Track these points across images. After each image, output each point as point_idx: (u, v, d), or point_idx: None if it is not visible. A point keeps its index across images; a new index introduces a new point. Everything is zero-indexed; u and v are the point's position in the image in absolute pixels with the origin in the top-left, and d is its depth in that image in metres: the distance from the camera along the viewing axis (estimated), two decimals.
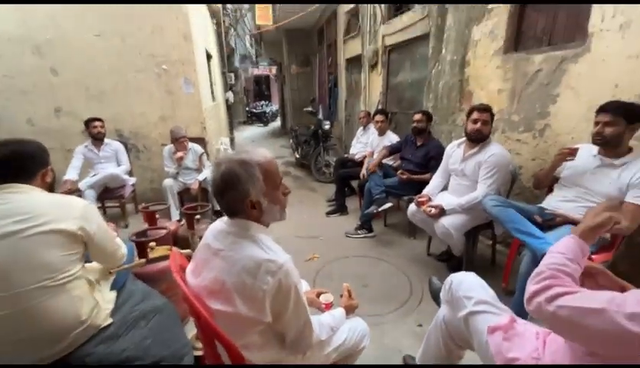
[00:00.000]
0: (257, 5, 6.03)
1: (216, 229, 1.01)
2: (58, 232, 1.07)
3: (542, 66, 2.22)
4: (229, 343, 0.82)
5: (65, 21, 3.51)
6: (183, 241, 2.15)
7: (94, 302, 1.20)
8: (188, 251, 1.48)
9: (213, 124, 5.11)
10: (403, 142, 3.15)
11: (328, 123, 5.08)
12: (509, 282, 2.03)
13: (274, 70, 13.11)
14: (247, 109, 15.64)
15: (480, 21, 2.68)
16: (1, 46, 3.45)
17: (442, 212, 2.15)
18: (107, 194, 3.45)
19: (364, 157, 3.91)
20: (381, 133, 3.60)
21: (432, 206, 2.19)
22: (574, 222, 1.64)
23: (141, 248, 1.75)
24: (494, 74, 2.61)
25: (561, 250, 0.82)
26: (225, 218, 1.03)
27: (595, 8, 1.88)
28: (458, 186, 2.27)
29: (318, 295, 1.29)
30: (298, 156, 6.01)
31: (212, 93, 5.61)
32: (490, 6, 2.58)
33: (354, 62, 5.26)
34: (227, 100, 7.78)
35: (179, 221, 3.40)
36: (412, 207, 2.42)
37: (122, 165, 3.55)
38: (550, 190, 1.98)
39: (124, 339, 1.27)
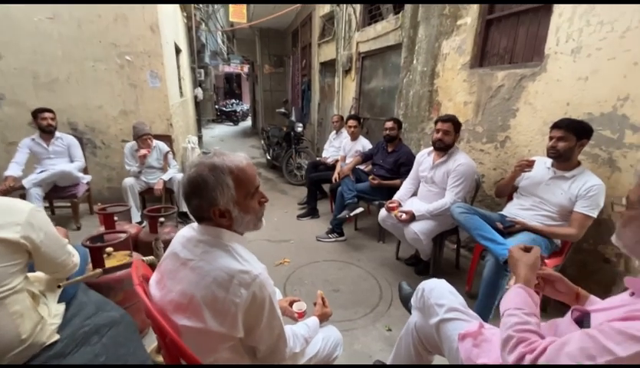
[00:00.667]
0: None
1: (184, 237, 0.94)
2: (3, 241, 0.94)
3: (504, 82, 2.37)
4: (197, 362, 0.76)
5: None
6: (145, 247, 2.01)
7: (37, 317, 1.08)
8: (151, 258, 1.38)
9: (180, 121, 4.87)
10: (375, 148, 3.21)
11: (300, 125, 5.06)
12: (472, 286, 2.14)
13: (246, 68, 12.83)
14: (217, 107, 15.16)
15: (449, 36, 2.81)
16: None
17: (412, 218, 2.21)
18: (57, 193, 3.15)
19: (337, 161, 3.94)
20: (354, 138, 3.64)
21: (403, 211, 2.25)
22: (530, 229, 1.76)
23: (96, 255, 1.60)
24: (461, 87, 2.75)
25: (518, 305, 0.80)
26: (195, 225, 0.97)
27: (552, 33, 2.05)
28: (427, 193, 2.35)
29: (291, 304, 1.25)
30: (269, 157, 5.91)
31: (181, 88, 5.35)
32: (459, 22, 2.72)
33: (328, 66, 5.29)
34: (196, 97, 7.47)
35: (141, 223, 3.20)
36: (383, 212, 2.46)
37: (75, 162, 3.26)
38: (510, 198, 2.11)
39: (72, 357, 1.15)
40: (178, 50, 5.33)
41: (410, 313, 1.38)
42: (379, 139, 3.72)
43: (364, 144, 3.54)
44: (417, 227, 2.15)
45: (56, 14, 3.31)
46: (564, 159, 1.75)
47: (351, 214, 2.86)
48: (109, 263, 1.68)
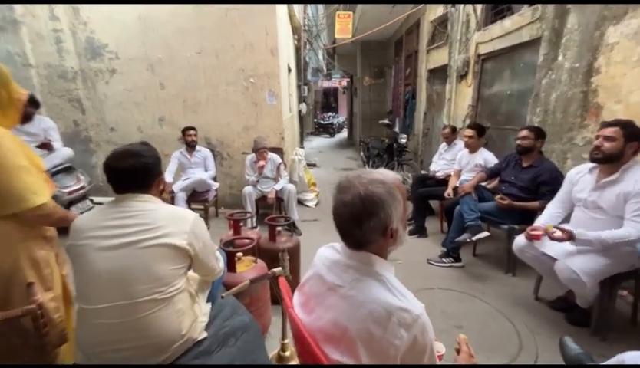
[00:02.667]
0: (338, 18, 6.11)
1: (328, 259, 0.89)
2: (171, 246, 1.07)
3: None
4: None
5: (174, 42, 3.96)
6: (265, 253, 2.13)
7: (193, 316, 1.19)
8: (279, 269, 1.41)
9: (289, 135, 5.25)
10: (503, 162, 2.75)
11: (404, 136, 4.82)
12: None
13: (344, 82, 13.24)
14: (315, 120, 16.08)
15: (620, 19, 2.20)
16: (125, 65, 4.04)
17: (570, 238, 1.72)
18: (194, 197, 3.73)
19: (447, 176, 3.57)
20: (472, 150, 3.22)
21: (558, 228, 1.78)
22: None
23: (231, 258, 1.76)
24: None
25: None
26: (337, 246, 0.91)
27: None
28: (590, 221, 1.82)
29: None
30: (368, 169, 5.82)
31: (290, 104, 5.80)
32: None
33: (438, 73, 4.92)
34: (300, 112, 8.02)
35: (255, 227, 3.51)
36: (520, 240, 2.04)
37: (209, 171, 3.81)
38: None
39: (216, 356, 1.24)
40: (289, 70, 5.81)
41: None
42: (502, 151, 3.21)
43: (487, 157, 3.08)
44: (577, 263, 1.68)
45: (202, 49, 3.99)
46: None
47: (474, 238, 2.48)
48: (239, 266, 1.83)
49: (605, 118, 2.29)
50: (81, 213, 3.23)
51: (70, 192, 3.22)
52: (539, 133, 2.49)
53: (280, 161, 3.75)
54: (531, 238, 1.94)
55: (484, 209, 2.57)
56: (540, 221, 2.04)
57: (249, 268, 1.78)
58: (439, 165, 3.83)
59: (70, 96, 4.16)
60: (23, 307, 1.17)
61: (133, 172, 1.13)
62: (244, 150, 4.26)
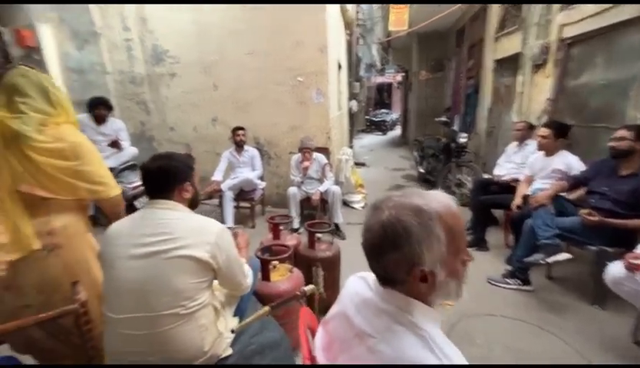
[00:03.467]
0: (392, 10, 5.76)
1: (359, 295, 0.73)
2: (192, 258, 1.02)
3: None
4: None
5: (227, 44, 4.08)
6: (303, 261, 2.03)
7: (217, 332, 1.13)
8: (311, 287, 1.28)
9: (337, 134, 5.10)
10: (592, 169, 2.25)
11: (464, 135, 4.34)
12: None
13: (398, 77, 12.65)
14: (366, 117, 15.68)
15: None
16: (183, 68, 4.29)
17: None
18: (241, 196, 3.80)
19: (514, 180, 3.09)
20: (549, 152, 2.71)
21: None
22: None
23: (266, 266, 1.69)
24: None
25: None
26: (370, 279, 0.75)
27: None
28: None
29: None
30: (422, 170, 5.41)
31: (338, 102, 5.65)
32: None
33: (507, 63, 4.32)
34: (350, 109, 7.82)
35: (298, 230, 3.46)
36: (615, 269, 1.62)
37: (256, 171, 3.85)
38: None
39: None
40: (339, 67, 5.64)
41: None
42: (589, 154, 2.65)
43: (570, 162, 2.56)
44: None
45: (253, 50, 4.04)
46: None
47: (549, 260, 2.06)
48: (273, 275, 1.75)
49: None
50: (142, 207, 3.50)
51: (134, 188, 3.50)
52: None
53: (326, 161, 3.63)
54: (632, 269, 1.52)
55: (564, 226, 2.13)
56: None
57: (283, 278, 1.69)
58: (505, 169, 3.34)
59: (138, 99, 4.56)
60: (69, 307, 1.21)
61: (158, 173, 1.13)
62: (290, 150, 4.23)
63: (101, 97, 3.53)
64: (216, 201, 3.91)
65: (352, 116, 8.05)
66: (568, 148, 2.73)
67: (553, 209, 2.20)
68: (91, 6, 4.26)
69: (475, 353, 1.74)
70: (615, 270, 1.63)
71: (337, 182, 4.09)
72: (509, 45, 4.09)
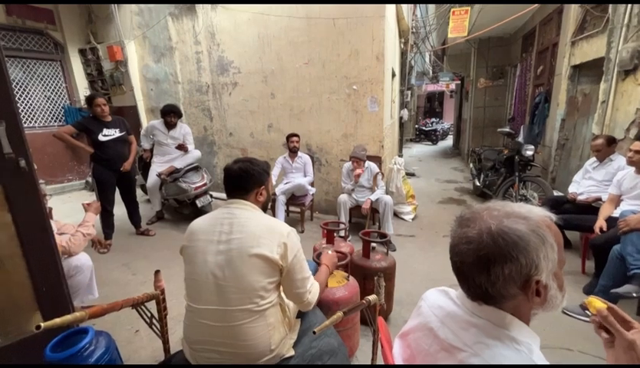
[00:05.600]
0: (453, 15, 5.54)
1: (442, 309, 0.69)
2: (262, 257, 1.06)
3: None
4: None
5: (285, 55, 4.26)
6: (357, 269, 2.00)
7: (284, 332, 1.15)
8: (374, 297, 1.25)
9: (389, 142, 5.02)
10: None
11: (531, 147, 3.98)
12: None
13: (452, 85, 12.08)
14: (416, 126, 15.21)
15: None
16: (244, 78, 4.57)
17: None
18: (293, 200, 3.89)
19: (595, 200, 2.75)
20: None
21: None
22: None
23: None
24: None
25: None
26: (452, 293, 0.71)
27: None
28: None
29: None
30: (479, 183, 5.07)
31: (391, 111, 5.56)
32: None
33: (587, 69, 3.89)
34: (401, 118, 7.65)
35: (347, 237, 3.43)
36: None
37: (307, 176, 3.93)
38: None
39: None
40: (393, 75, 5.57)
41: None
42: None
43: None
44: None
45: (310, 60, 4.16)
46: None
47: None
48: (330, 282, 1.74)
49: None
50: (203, 206, 3.73)
51: (197, 188, 3.78)
52: None
53: (377, 170, 3.58)
54: None
55: None
56: None
57: (340, 285, 1.68)
58: (584, 186, 3.00)
59: (203, 106, 4.96)
60: (148, 292, 1.33)
61: (239, 174, 1.20)
62: (342, 157, 4.25)
63: (172, 105, 3.90)
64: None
65: (402, 125, 7.88)
66: None
67: None
68: (170, 23, 4.75)
69: None
70: None
71: (387, 192, 4.00)
72: (590, 49, 3.68)
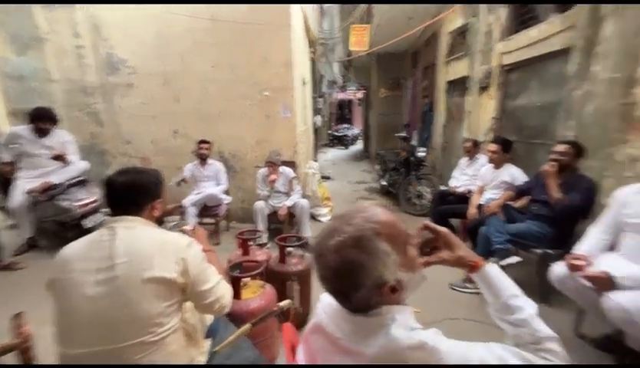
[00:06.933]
0: (353, 31, 6.07)
1: (330, 306, 0.74)
2: (159, 280, 0.94)
3: None
4: None
5: (190, 56, 3.99)
6: (274, 276, 1.99)
7: (188, 358, 1.06)
8: (287, 302, 1.26)
9: (303, 148, 5.16)
10: (533, 180, 2.53)
11: (423, 150, 4.64)
12: None
13: (359, 94, 13.22)
14: (329, 132, 16.06)
15: None
16: (142, 79, 4.09)
17: (607, 284, 1.53)
18: (205, 211, 3.65)
19: (469, 191, 3.36)
20: (497, 165, 3.01)
21: (594, 275, 1.58)
22: None
23: (236, 284, 1.63)
24: None
25: None
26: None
27: None
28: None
29: None
30: (384, 182, 5.65)
31: (304, 117, 5.74)
32: None
33: (457, 84, 4.75)
34: (315, 124, 7.98)
35: (267, 244, 3.39)
36: (560, 269, 1.82)
37: (221, 185, 3.74)
38: None
39: None
40: (304, 83, 5.77)
41: None
42: (528, 166, 2.98)
43: (514, 174, 2.86)
44: (630, 301, 1.45)
45: (217, 63, 3.99)
46: None
47: (502, 263, 2.25)
48: (245, 293, 1.70)
49: None
50: (93, 227, 3.19)
51: (83, 206, 3.20)
52: (579, 150, 2.28)
53: (293, 175, 3.65)
54: (573, 269, 1.72)
55: (513, 231, 2.35)
56: (582, 248, 1.82)
57: (256, 295, 1.65)
58: (460, 181, 3.63)
59: (89, 109, 4.24)
60: (5, 342, 1.07)
61: (128, 187, 1.05)
62: (257, 164, 4.18)
63: (45, 109, 3.21)
64: (176, 218, 3.71)
65: (316, 130, 8.22)
66: (511, 161, 3.06)
67: (503, 216, 2.43)
68: (35, 10, 3.94)
69: None
70: (559, 269, 1.82)
71: (304, 196, 4.11)
72: (458, 69, 4.51)
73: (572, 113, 2.68)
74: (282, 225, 3.56)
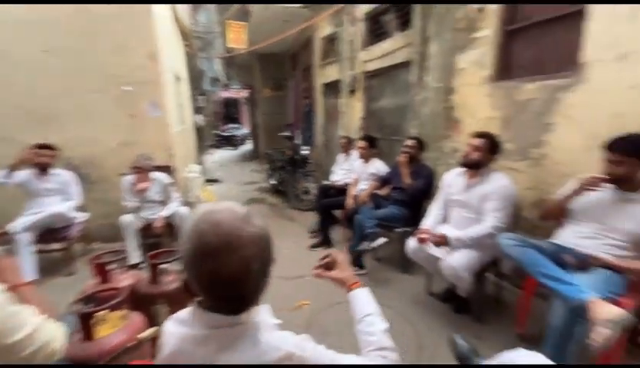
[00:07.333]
0: (230, 27, 5.84)
1: (173, 335, 0.68)
2: None
3: (536, 95, 2.18)
4: None
5: (8, 35, 3.04)
6: (144, 300, 1.73)
7: None
8: (152, 330, 1.10)
9: (181, 150, 4.68)
10: (392, 171, 2.99)
11: (306, 148, 4.88)
12: (526, 328, 1.85)
13: (244, 93, 12.92)
14: (216, 132, 15.15)
15: (465, 49, 2.66)
16: None
17: (444, 242, 1.97)
18: (51, 235, 2.89)
19: (347, 184, 3.72)
20: (366, 160, 3.43)
21: (435, 237, 2.01)
22: (614, 268, 1.47)
23: (84, 322, 1.33)
24: (483, 102, 2.56)
25: None
26: (180, 316, 0.70)
27: (589, 39, 1.87)
28: (462, 219, 2.10)
29: None
30: (273, 181, 5.70)
31: (181, 116, 5.21)
32: (475, 35, 2.57)
33: (332, 87, 5.18)
34: (196, 124, 7.37)
35: (139, 265, 2.92)
36: (411, 243, 2.21)
37: (71, 200, 3.02)
38: (558, 222, 1.86)
39: None
40: (178, 78, 5.24)
41: None
42: (391, 160, 3.52)
43: (379, 166, 3.32)
44: (456, 261, 1.89)
45: (51, 48, 3.18)
46: (625, 182, 1.52)
47: (373, 245, 2.59)
48: (101, 330, 1.41)
49: (464, 131, 2.73)
50: None
51: None
52: (421, 143, 2.81)
53: (169, 180, 3.25)
54: (421, 241, 2.11)
55: (380, 216, 2.73)
56: (426, 223, 2.26)
57: (115, 330, 1.38)
58: (339, 175, 3.98)
59: None
60: None
61: None
62: (123, 171, 3.54)
63: None
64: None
65: (199, 130, 7.61)
66: (377, 156, 3.54)
67: (372, 204, 2.79)
68: None
69: (331, 341, 1.95)
70: (410, 243, 2.21)
71: (186, 203, 3.74)
72: (331, 73, 4.93)
73: (415, 115, 3.29)
74: (161, 239, 3.14)
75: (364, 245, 2.58)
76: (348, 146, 3.96)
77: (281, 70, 8.47)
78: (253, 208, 5.08)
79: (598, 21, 1.82)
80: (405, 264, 2.75)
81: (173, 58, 4.63)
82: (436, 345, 1.86)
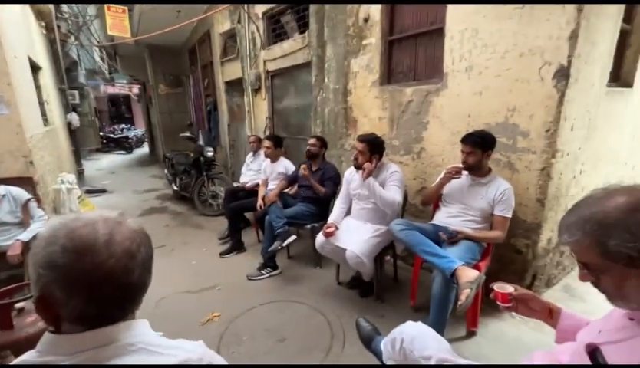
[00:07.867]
0: (108, 11, 4.99)
1: None
2: None
3: (413, 97, 2.53)
4: None
5: None
6: None
7: None
8: None
9: (47, 156, 3.81)
10: (298, 169, 3.05)
11: (210, 149, 4.57)
12: (416, 299, 2.13)
13: (135, 88, 11.30)
14: (102, 133, 12.87)
15: (357, 55, 2.90)
16: None
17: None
18: None
19: (257, 185, 3.65)
20: (273, 159, 3.41)
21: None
22: (473, 239, 1.82)
23: None
24: (374, 103, 2.84)
25: None
26: (30, 354, 0.57)
27: (447, 53, 2.26)
28: (361, 211, 2.29)
29: None
30: (176, 187, 5.17)
31: (44, 115, 4.23)
32: (364, 42, 2.82)
33: (235, 85, 4.98)
34: (70, 124, 6.12)
35: None
36: (320, 238, 2.30)
37: None
38: (436, 206, 2.21)
39: None
40: (36, 68, 4.24)
41: (377, 356, 1.22)
42: (298, 159, 3.60)
43: (287, 165, 3.35)
44: (358, 249, 2.04)
45: None
46: (476, 169, 1.91)
47: (284, 244, 2.60)
48: None
49: (360, 129, 2.97)
50: None
51: None
52: (323, 142, 2.93)
53: (28, 197, 2.59)
54: (327, 235, 2.21)
55: (289, 214, 2.75)
56: (332, 218, 2.38)
57: None
58: (247, 176, 3.86)
59: None
60: None
61: None
62: None
63: None
64: None
65: (74, 132, 6.34)
66: (285, 155, 3.56)
67: (281, 203, 2.80)
68: None
69: (243, 350, 1.89)
70: (319, 238, 2.31)
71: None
72: (233, 70, 4.74)
73: (318, 114, 3.44)
74: (21, 271, 2.49)
75: (276, 245, 2.57)
76: (258, 144, 3.86)
77: (178, 65, 7.72)
78: (154, 219, 4.59)
79: (452, 38, 2.21)
80: (317, 259, 2.85)
81: (25, 43, 3.72)
82: (346, 330, 1.99)
